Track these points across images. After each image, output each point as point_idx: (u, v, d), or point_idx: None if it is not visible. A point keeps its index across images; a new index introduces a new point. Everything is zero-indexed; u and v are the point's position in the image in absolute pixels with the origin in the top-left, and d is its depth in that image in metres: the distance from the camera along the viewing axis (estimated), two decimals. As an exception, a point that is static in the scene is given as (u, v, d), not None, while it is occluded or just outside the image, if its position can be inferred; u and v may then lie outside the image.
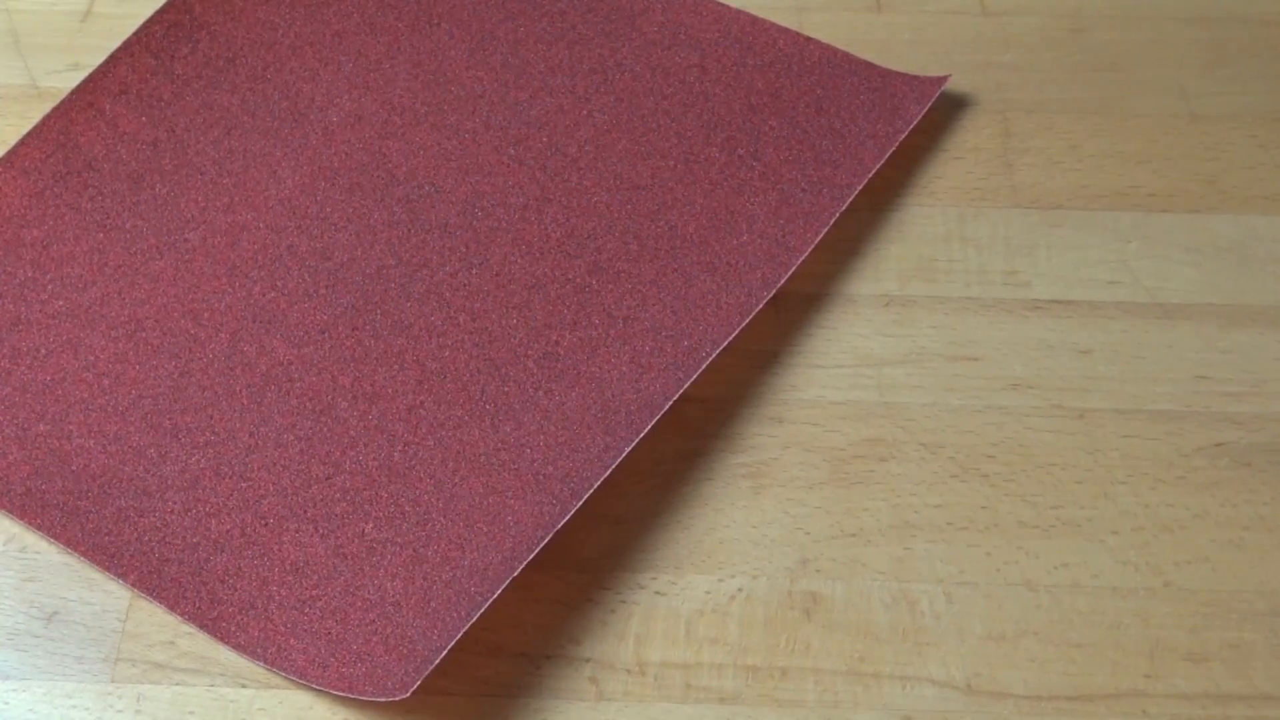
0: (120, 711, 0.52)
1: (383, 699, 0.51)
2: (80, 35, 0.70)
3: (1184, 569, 0.55)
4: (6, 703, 0.52)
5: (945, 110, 0.68)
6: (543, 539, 0.54)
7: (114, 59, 0.68)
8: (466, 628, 0.52)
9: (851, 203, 0.65)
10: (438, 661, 0.52)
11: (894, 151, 0.66)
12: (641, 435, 0.57)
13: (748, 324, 0.61)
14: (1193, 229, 0.65)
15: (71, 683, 0.53)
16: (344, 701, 0.52)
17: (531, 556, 0.54)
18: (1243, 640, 0.54)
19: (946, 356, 0.61)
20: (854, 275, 0.63)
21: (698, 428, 0.59)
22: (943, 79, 0.68)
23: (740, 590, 0.55)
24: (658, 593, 0.55)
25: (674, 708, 0.52)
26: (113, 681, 0.53)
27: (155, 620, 0.54)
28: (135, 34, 0.69)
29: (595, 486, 0.56)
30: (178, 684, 0.53)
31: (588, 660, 0.53)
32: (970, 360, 0.61)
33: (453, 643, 0.52)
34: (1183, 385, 0.60)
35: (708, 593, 0.55)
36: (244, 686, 0.53)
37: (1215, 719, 0.52)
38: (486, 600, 0.53)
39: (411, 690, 0.51)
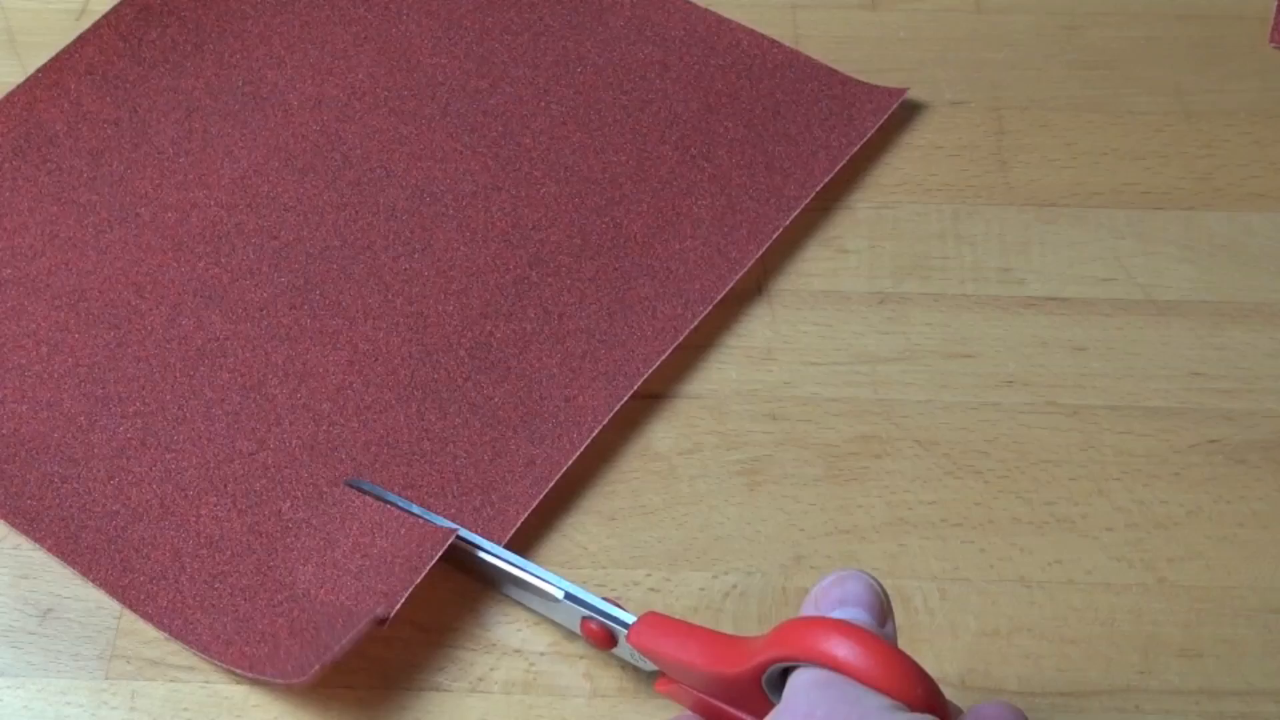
0: (115, 709, 0.52)
1: (280, 681, 0.51)
2: (75, 33, 0.70)
3: (1178, 565, 0.55)
4: (1, 700, 0.52)
5: (940, 107, 0.68)
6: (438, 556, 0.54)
7: (83, 39, 0.69)
8: (365, 623, 0.51)
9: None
10: (337, 651, 0.51)
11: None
12: (570, 462, 0.57)
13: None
14: (1187, 226, 0.65)
15: (66, 680, 0.53)
16: (339, 698, 0.52)
17: (431, 565, 0.53)
18: (1236, 636, 0.54)
19: (941, 354, 0.61)
20: (849, 272, 0.63)
21: (693, 424, 0.59)
22: (900, 91, 0.68)
23: (735, 587, 0.55)
24: (652, 589, 0.55)
25: (669, 704, 0.52)
26: (107, 678, 0.53)
27: (150, 617, 0.54)
28: (105, 16, 0.69)
29: (526, 515, 0.55)
30: (172, 680, 0.53)
31: (582, 657, 0.53)
32: (965, 357, 0.61)
33: (355, 634, 0.51)
34: (1177, 382, 0.60)
35: (702, 589, 0.55)
36: (238, 683, 0.53)
37: (1209, 714, 0.52)
38: (395, 601, 0.52)
39: (309, 676, 0.50)
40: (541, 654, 0.53)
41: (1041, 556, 0.56)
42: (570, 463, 0.57)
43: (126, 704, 0.52)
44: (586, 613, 0.51)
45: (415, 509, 0.55)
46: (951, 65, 0.70)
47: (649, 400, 0.59)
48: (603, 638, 0.51)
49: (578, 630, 0.52)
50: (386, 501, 0.55)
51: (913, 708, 0.41)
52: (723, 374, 0.60)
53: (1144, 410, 0.59)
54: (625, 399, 0.58)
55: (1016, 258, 0.64)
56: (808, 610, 0.44)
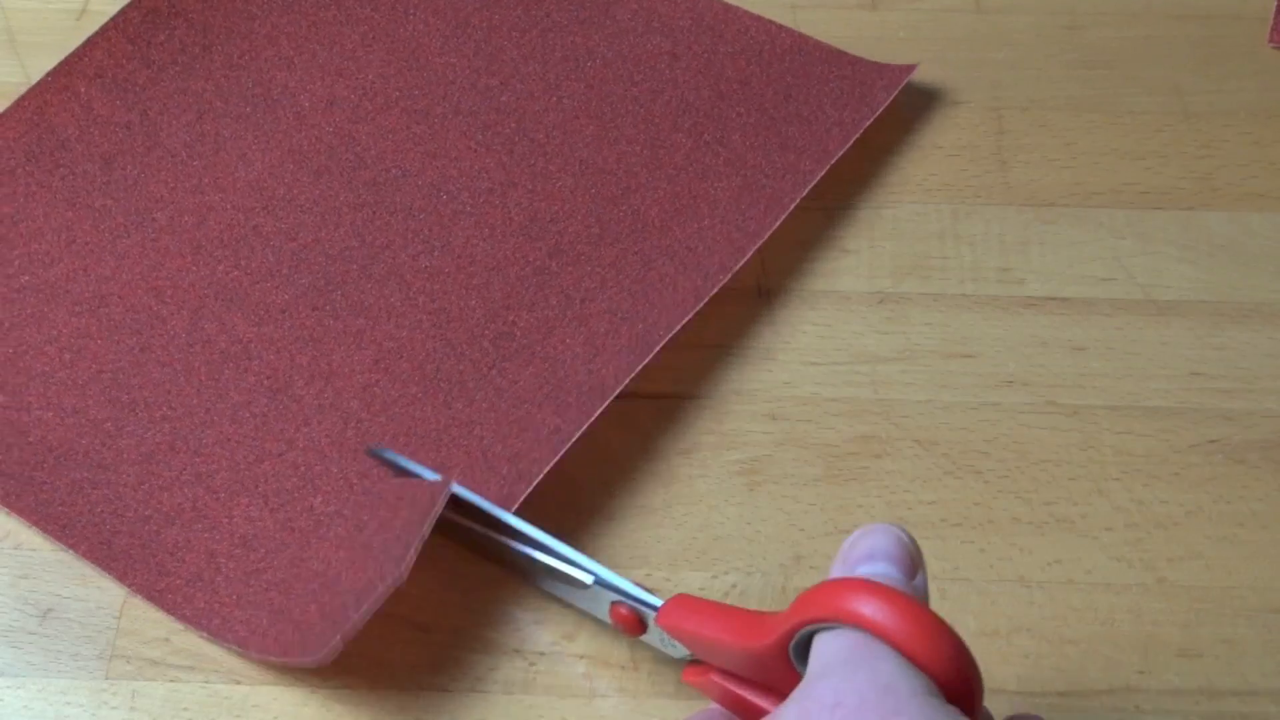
0: (115, 708, 0.52)
1: (310, 662, 0.51)
2: (75, 33, 0.70)
3: (1177, 565, 0.55)
4: (1, 699, 0.52)
5: (939, 107, 0.68)
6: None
7: (91, 43, 0.69)
8: (383, 590, 0.51)
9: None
10: (357, 623, 0.51)
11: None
12: (590, 421, 0.57)
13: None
14: (1187, 226, 0.65)
15: (66, 679, 0.53)
16: (339, 698, 0.52)
17: (433, 518, 0.52)
18: (1236, 636, 0.54)
19: (941, 353, 0.61)
20: (848, 272, 0.63)
21: (692, 424, 0.59)
22: (910, 67, 0.68)
23: (734, 586, 0.55)
24: (652, 590, 0.55)
25: (668, 704, 0.52)
26: (107, 678, 0.53)
27: (149, 617, 0.54)
28: (113, 19, 0.69)
29: (544, 473, 0.55)
30: (172, 680, 0.53)
31: (582, 657, 0.53)
32: (964, 357, 0.61)
33: (367, 608, 0.51)
34: (1176, 382, 0.60)
35: (702, 589, 0.55)
36: (238, 683, 0.53)
37: (1208, 714, 0.52)
38: (400, 570, 0.52)
39: (326, 650, 0.50)
40: (541, 654, 0.53)
41: (1041, 556, 0.56)
42: (590, 423, 0.57)
43: (126, 704, 0.52)
44: (616, 597, 0.51)
45: (431, 476, 0.54)
46: (951, 65, 0.70)
47: (649, 400, 0.59)
48: (632, 623, 0.51)
49: (606, 617, 0.52)
50: (406, 470, 0.55)
51: (945, 685, 0.40)
52: (723, 374, 0.60)
53: (1144, 410, 0.59)
54: (648, 359, 0.58)
55: (1016, 257, 0.64)
56: (836, 571, 0.44)
